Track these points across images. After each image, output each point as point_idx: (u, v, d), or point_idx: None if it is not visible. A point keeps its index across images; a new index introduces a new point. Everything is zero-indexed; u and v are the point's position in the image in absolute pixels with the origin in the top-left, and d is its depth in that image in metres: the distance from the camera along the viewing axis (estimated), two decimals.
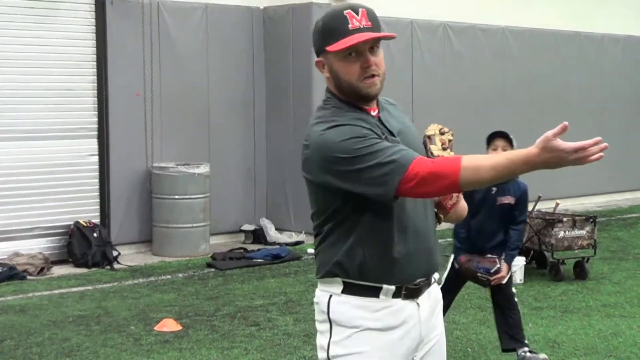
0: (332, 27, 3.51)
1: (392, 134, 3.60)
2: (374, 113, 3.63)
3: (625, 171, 20.43)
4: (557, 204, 12.80)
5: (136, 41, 13.06)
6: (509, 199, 7.78)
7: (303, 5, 13.94)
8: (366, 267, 3.53)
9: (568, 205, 15.74)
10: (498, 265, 7.64)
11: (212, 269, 11.83)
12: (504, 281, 7.75)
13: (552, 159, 3.18)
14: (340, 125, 3.49)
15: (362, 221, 3.53)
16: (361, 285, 3.54)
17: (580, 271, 11.32)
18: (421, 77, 16.05)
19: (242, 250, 12.94)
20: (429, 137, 3.79)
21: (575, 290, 10.61)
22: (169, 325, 8.72)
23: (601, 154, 3.16)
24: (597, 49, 19.92)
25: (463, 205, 3.78)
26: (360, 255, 3.53)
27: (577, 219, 11.65)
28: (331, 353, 3.58)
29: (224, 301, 9.95)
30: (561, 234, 11.28)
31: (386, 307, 3.56)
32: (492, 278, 7.65)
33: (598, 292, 10.50)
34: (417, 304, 3.61)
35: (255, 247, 13.39)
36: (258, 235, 13.95)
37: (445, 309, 7.51)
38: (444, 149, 3.73)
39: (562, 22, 19.03)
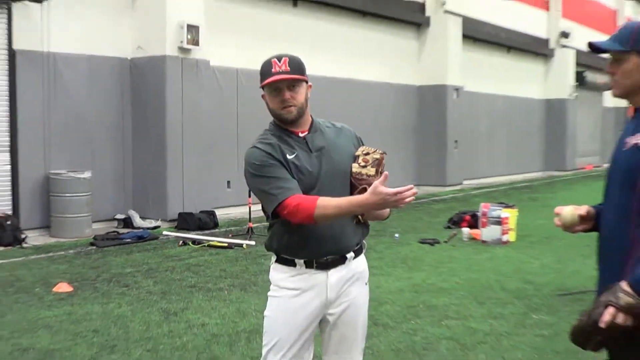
0: (263, 70, 3.61)
1: (310, 150, 3.62)
2: (301, 134, 3.67)
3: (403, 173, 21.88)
4: None
5: (38, 82, 12.97)
6: None
7: (159, 57, 14.07)
8: (286, 246, 3.63)
9: None
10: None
11: (94, 247, 11.82)
12: None
13: (379, 201, 3.27)
14: (256, 147, 3.61)
15: (287, 224, 3.57)
16: (284, 257, 3.66)
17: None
18: (244, 109, 16.31)
19: (115, 233, 12.93)
20: (355, 156, 3.70)
21: None
22: (63, 287, 8.72)
23: (412, 197, 3.28)
24: (362, 92, 20.78)
25: (379, 212, 3.67)
26: (285, 238, 3.62)
27: None
28: (267, 304, 3.73)
29: (103, 270, 9.97)
30: None
31: (299, 274, 3.62)
32: None
33: (367, 259, 11.25)
34: (327, 273, 3.62)
35: (125, 230, 13.44)
36: (127, 222, 13.98)
37: None
38: (364, 167, 3.63)
39: (340, 70, 19.78)
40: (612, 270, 3.12)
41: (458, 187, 23.79)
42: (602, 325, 2.86)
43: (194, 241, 12.25)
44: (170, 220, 14.28)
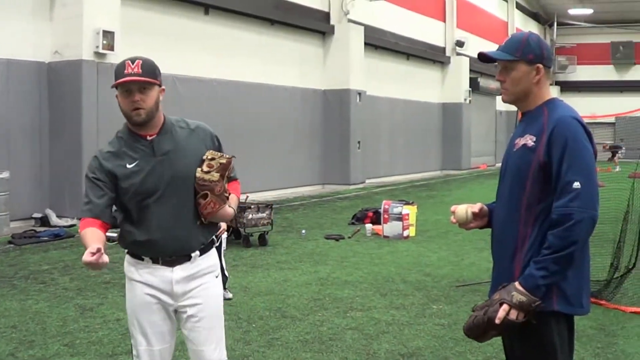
0: (116, 71, 3.51)
1: (154, 154, 3.56)
2: (149, 137, 3.58)
3: (292, 174, 21.93)
4: (247, 196, 12.68)
5: None
6: None
7: (76, 61, 13.87)
8: (131, 244, 3.68)
9: (254, 196, 15.92)
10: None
11: (12, 245, 11.52)
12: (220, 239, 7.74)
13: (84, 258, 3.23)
14: (96, 156, 3.62)
15: (124, 217, 3.66)
16: (132, 253, 3.72)
17: (262, 240, 11.67)
18: None
19: (33, 231, 12.60)
20: (202, 160, 3.60)
21: (259, 253, 10.91)
22: None
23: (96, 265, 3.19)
24: (272, 95, 20.83)
25: (222, 213, 3.64)
26: (128, 237, 3.66)
27: (260, 206, 11.82)
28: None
29: (21, 267, 9.74)
30: (250, 216, 11.51)
31: (146, 267, 3.64)
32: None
33: (274, 254, 10.86)
34: (172, 269, 3.62)
35: (42, 229, 13.09)
36: (44, 221, 13.66)
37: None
38: (207, 172, 3.55)
39: (251, 75, 19.82)
40: (503, 264, 3.20)
41: (361, 186, 23.96)
42: (497, 322, 2.96)
43: (109, 239, 11.88)
44: None
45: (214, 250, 3.82)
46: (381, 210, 13.14)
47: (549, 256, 2.92)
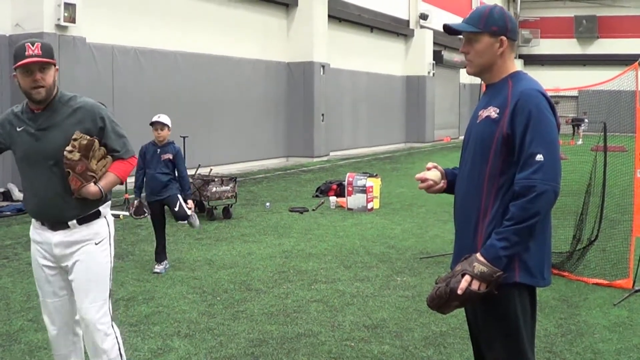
0: (17, 53, 3.84)
1: (34, 128, 3.94)
2: (35, 111, 3.94)
3: (257, 147, 21.91)
4: (211, 169, 13.24)
5: None
6: (168, 155, 8.05)
7: (37, 34, 13.20)
8: (25, 206, 4.18)
9: (218, 169, 16.09)
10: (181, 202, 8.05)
11: None
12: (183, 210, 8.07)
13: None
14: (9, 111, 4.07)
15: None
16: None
17: (226, 213, 11.69)
18: (119, 85, 16.27)
19: None
20: (70, 140, 3.90)
21: (223, 226, 10.90)
22: None
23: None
24: (235, 68, 20.81)
25: (85, 191, 3.93)
26: (26, 199, 4.12)
27: (224, 179, 11.88)
28: None
29: None
30: (214, 189, 11.57)
31: (36, 229, 4.11)
32: (189, 213, 8.08)
33: (238, 227, 10.87)
34: (53, 233, 4.03)
35: (4, 203, 12.99)
36: (6, 195, 13.53)
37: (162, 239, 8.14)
38: (70, 152, 3.86)
39: (215, 47, 19.77)
40: (465, 236, 3.24)
41: (325, 159, 24.01)
42: (459, 292, 3.00)
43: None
44: None
45: (99, 221, 4.12)
46: (345, 183, 13.19)
47: (511, 227, 2.95)
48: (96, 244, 4.08)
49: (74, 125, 3.94)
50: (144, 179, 8.13)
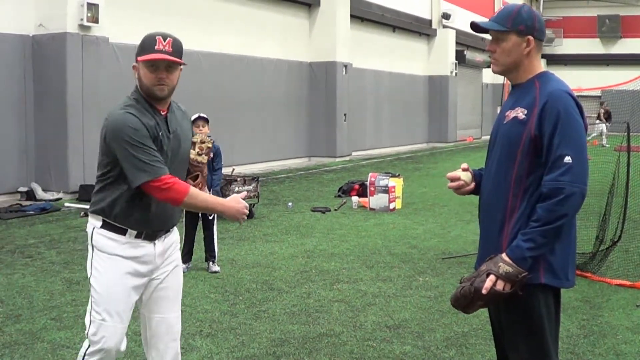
0: (145, 44, 3.52)
1: (169, 131, 3.63)
2: (163, 113, 3.62)
3: (279, 147, 21.91)
4: (233, 169, 13.14)
5: None
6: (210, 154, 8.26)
7: (60, 34, 13.71)
8: (120, 216, 3.59)
9: (240, 169, 16.15)
10: None
11: None
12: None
13: (239, 210, 3.59)
14: (130, 113, 3.51)
15: (125, 185, 3.54)
16: (114, 225, 3.62)
17: (249, 213, 12.02)
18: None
19: (18, 205, 12.54)
20: (193, 143, 3.85)
21: (246, 226, 10.80)
22: None
23: (245, 217, 3.65)
24: (258, 68, 20.73)
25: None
26: (118, 208, 3.56)
27: (247, 179, 11.89)
28: (92, 271, 3.67)
29: (7, 241, 9.63)
30: (236, 189, 11.44)
31: (129, 242, 3.63)
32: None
33: (261, 227, 10.85)
34: (154, 243, 3.70)
35: (28, 203, 13.02)
36: (30, 195, 13.59)
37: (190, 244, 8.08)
38: (199, 155, 3.85)
39: (237, 47, 19.74)
40: (491, 236, 3.22)
41: (347, 158, 23.97)
42: (484, 292, 2.98)
43: None
44: (72, 192, 13.94)
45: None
46: (367, 183, 13.15)
47: (537, 229, 2.93)
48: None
49: (189, 127, 3.84)
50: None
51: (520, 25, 3.15)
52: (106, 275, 3.63)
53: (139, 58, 3.53)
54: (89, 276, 3.70)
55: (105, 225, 3.63)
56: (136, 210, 3.59)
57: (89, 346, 3.68)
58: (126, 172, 3.48)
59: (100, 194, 3.64)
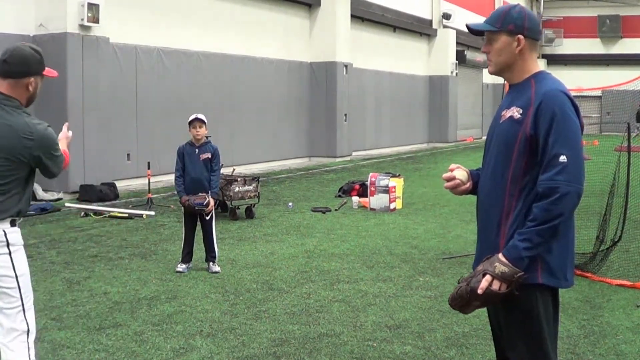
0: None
1: None
2: None
3: (279, 147, 21.94)
4: (234, 169, 13.17)
5: None
6: (207, 155, 8.03)
7: (60, 34, 13.76)
8: (25, 209, 3.92)
9: (241, 169, 16.15)
10: (208, 199, 7.95)
11: None
12: (211, 213, 8.08)
13: (61, 139, 4.37)
14: (49, 125, 4.00)
15: (30, 182, 3.92)
16: (16, 220, 3.87)
17: (249, 213, 11.72)
18: (143, 85, 16.37)
19: None
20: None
21: (246, 226, 10.91)
22: None
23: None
24: (258, 68, 20.80)
25: None
26: (25, 200, 3.87)
27: (247, 179, 11.84)
28: (15, 272, 3.82)
29: None
30: (237, 189, 11.52)
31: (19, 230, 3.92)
32: (206, 210, 7.94)
33: (261, 227, 10.88)
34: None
35: None
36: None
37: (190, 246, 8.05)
38: None
39: (238, 47, 19.79)
40: (488, 236, 3.22)
41: (348, 158, 23.98)
42: (480, 292, 2.99)
43: (96, 212, 11.99)
44: (72, 192, 13.98)
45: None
46: (368, 183, 13.16)
47: (533, 228, 2.93)
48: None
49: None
50: (184, 181, 8.07)
51: (509, 25, 3.17)
52: (25, 268, 3.91)
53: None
54: (15, 278, 3.82)
55: (13, 223, 3.85)
56: (28, 200, 3.94)
57: (27, 338, 3.89)
58: (50, 168, 3.95)
59: (12, 197, 3.83)
